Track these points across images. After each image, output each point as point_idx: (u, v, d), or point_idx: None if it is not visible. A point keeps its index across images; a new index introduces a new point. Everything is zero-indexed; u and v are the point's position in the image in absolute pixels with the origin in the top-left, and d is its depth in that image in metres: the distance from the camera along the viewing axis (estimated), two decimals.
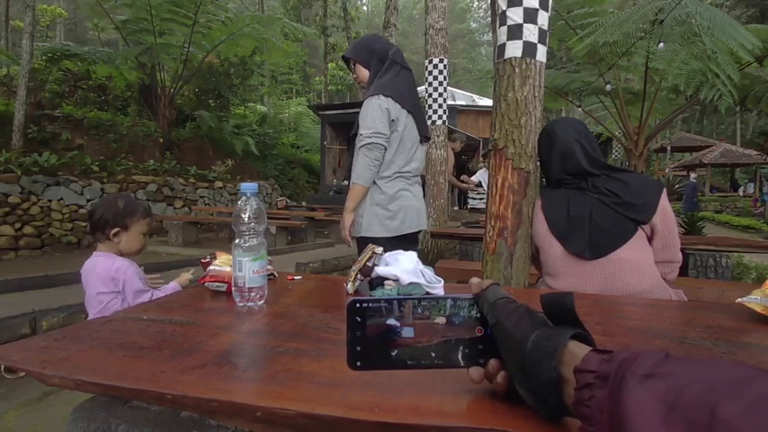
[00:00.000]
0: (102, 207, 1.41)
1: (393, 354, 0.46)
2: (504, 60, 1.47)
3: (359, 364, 0.46)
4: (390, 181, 1.70)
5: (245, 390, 0.50)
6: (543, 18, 1.42)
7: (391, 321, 0.46)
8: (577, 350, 0.38)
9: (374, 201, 1.70)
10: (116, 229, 1.38)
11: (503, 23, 1.45)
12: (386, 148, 1.65)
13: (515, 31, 1.42)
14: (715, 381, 0.27)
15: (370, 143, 1.61)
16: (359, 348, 0.46)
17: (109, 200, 1.44)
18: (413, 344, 0.46)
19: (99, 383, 0.51)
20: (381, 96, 1.62)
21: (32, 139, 6.41)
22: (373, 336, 0.46)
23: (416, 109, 1.74)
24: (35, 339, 0.66)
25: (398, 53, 1.77)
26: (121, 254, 1.41)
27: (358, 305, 0.46)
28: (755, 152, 17.28)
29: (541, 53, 1.45)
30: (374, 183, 1.70)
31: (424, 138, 1.78)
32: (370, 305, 0.46)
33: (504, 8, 1.44)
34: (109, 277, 1.33)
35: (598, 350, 0.37)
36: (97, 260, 1.38)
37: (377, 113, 1.61)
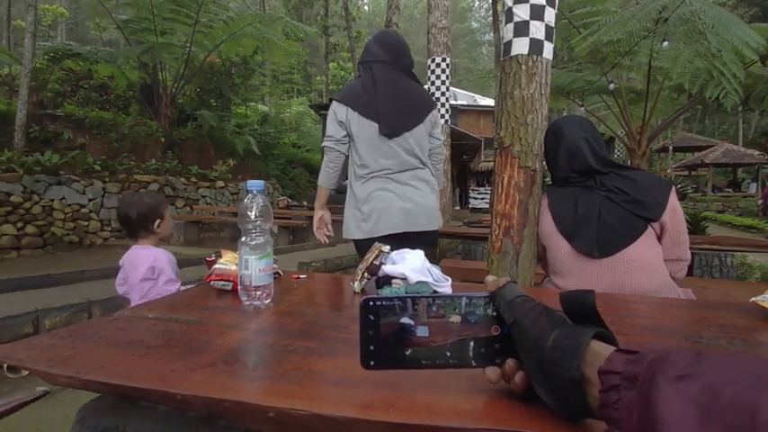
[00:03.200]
0: (135, 207, 1.57)
1: (407, 353, 0.45)
2: (511, 58, 1.45)
3: (372, 363, 0.46)
4: (364, 182, 1.67)
5: (256, 389, 0.49)
6: (550, 15, 1.41)
7: (405, 320, 0.45)
8: (601, 350, 0.37)
9: (350, 203, 1.72)
10: (158, 221, 1.59)
11: (509, 20, 1.44)
12: (341, 151, 1.70)
13: (522, 28, 1.41)
14: (751, 381, 0.26)
15: (323, 146, 1.72)
16: (372, 348, 0.45)
17: (135, 200, 1.60)
18: (427, 343, 0.45)
19: (107, 383, 0.50)
20: (334, 101, 1.70)
21: (34, 139, 6.41)
22: (387, 335, 0.45)
23: (370, 107, 1.63)
24: (40, 338, 0.65)
25: (371, 47, 1.70)
26: (160, 241, 1.63)
27: (371, 303, 0.45)
28: (757, 152, 17.25)
29: (548, 50, 1.44)
30: (351, 185, 1.72)
31: (386, 134, 1.63)
32: (384, 303, 0.46)
33: (511, 5, 1.43)
34: (149, 266, 1.50)
35: (623, 350, 0.36)
36: (139, 252, 1.55)
37: (329, 118, 1.70)
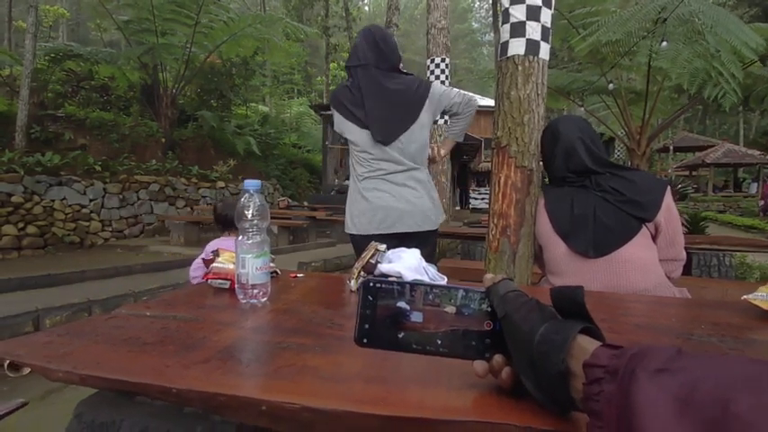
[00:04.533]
0: (232, 208, 1.90)
1: (400, 336, 0.47)
2: (507, 58, 1.46)
3: (365, 341, 0.47)
4: (362, 181, 1.71)
5: (250, 384, 0.50)
6: (546, 15, 1.42)
7: (402, 304, 0.47)
8: (587, 344, 0.38)
9: (349, 199, 1.76)
10: None
11: (506, 21, 1.45)
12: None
13: (518, 29, 1.42)
14: (728, 377, 0.27)
15: None
16: (367, 327, 0.47)
17: (232, 203, 1.94)
18: (420, 329, 0.47)
19: (104, 377, 0.51)
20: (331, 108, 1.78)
21: (35, 139, 6.43)
22: (383, 316, 0.47)
23: (361, 116, 1.65)
24: (38, 335, 0.66)
25: (356, 47, 1.69)
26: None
27: (372, 285, 0.48)
28: (758, 152, 17.26)
29: (544, 51, 1.44)
30: (351, 181, 1.77)
31: (380, 141, 1.64)
32: (384, 286, 0.48)
33: (507, 5, 1.43)
34: None
35: (608, 345, 0.36)
36: (230, 243, 1.81)
37: None
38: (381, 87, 1.64)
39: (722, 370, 0.28)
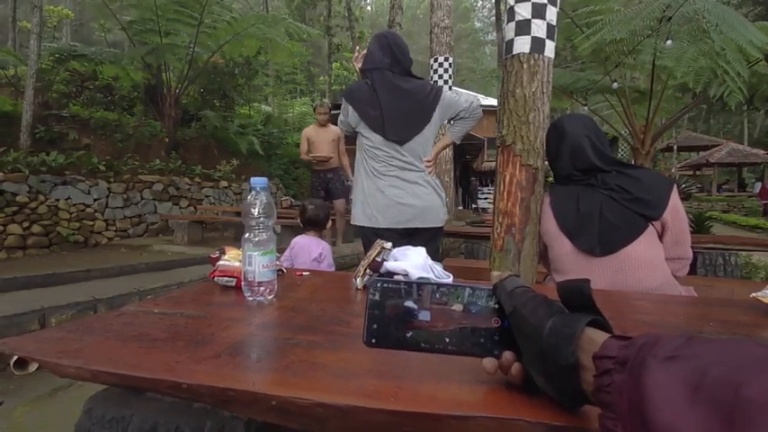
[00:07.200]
0: (323, 210, 2.22)
1: (408, 335, 0.47)
2: (512, 56, 1.46)
3: (374, 341, 0.47)
4: (377, 176, 1.74)
5: (261, 380, 0.50)
6: (552, 13, 1.42)
7: (409, 304, 0.47)
8: (596, 336, 0.37)
9: (360, 190, 1.79)
10: (330, 222, 2.27)
11: (511, 19, 1.45)
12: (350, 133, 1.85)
13: (523, 27, 1.42)
14: (739, 360, 0.27)
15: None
16: (375, 326, 0.47)
17: (322, 204, 2.26)
18: (428, 327, 0.47)
19: (115, 373, 0.51)
20: (343, 98, 1.83)
21: (40, 139, 6.44)
22: (391, 315, 0.47)
23: (377, 115, 1.69)
24: (49, 331, 0.66)
25: (371, 51, 1.74)
26: (321, 234, 2.24)
27: (379, 284, 0.48)
28: (763, 152, 17.16)
29: (550, 49, 1.44)
30: (362, 176, 1.79)
31: (395, 141, 1.70)
32: (391, 286, 0.48)
33: (512, 3, 1.43)
34: (319, 252, 2.07)
35: (617, 336, 0.36)
36: (311, 241, 2.13)
37: (341, 109, 1.85)
38: (397, 89, 1.69)
39: (732, 354, 0.28)
